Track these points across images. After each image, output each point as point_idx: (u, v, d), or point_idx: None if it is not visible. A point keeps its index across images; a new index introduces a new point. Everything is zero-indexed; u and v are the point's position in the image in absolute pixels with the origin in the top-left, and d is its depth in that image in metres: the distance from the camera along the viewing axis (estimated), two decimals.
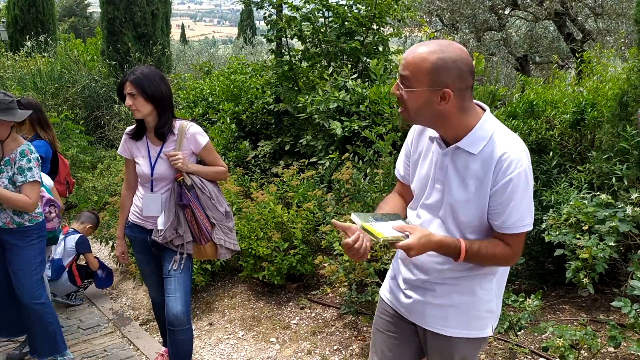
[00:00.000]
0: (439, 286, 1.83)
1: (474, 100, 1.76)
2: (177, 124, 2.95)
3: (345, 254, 1.78)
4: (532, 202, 1.73)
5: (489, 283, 1.82)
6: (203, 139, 2.96)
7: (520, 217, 1.69)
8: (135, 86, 2.80)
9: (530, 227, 1.73)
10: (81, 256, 4.54)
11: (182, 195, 2.89)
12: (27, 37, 11.68)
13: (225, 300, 4.36)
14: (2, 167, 3.18)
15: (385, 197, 2.09)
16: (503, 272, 1.86)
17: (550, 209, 3.44)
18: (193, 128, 2.95)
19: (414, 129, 1.95)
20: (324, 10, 6.02)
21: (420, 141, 1.90)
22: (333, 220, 1.80)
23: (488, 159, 1.68)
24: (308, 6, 6.00)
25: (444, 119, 1.70)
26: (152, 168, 2.93)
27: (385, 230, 1.68)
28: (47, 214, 3.58)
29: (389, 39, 6.41)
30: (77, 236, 4.52)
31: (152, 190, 2.97)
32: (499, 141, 1.69)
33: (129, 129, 3.04)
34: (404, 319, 1.95)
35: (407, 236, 1.67)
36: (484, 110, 1.75)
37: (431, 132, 1.83)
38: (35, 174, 3.19)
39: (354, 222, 1.73)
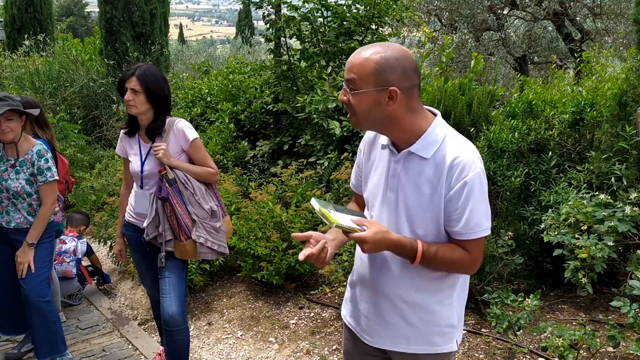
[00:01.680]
0: (398, 307, 1.79)
1: (425, 107, 1.74)
2: (167, 120, 2.94)
3: (310, 261, 1.74)
4: (488, 206, 1.69)
5: (448, 298, 1.78)
6: (191, 133, 2.92)
7: (478, 221, 1.65)
8: (142, 83, 2.79)
9: (488, 232, 1.69)
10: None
11: (162, 188, 2.86)
12: (26, 36, 11.65)
13: (224, 300, 4.36)
14: (18, 168, 3.21)
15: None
16: (463, 286, 1.83)
17: (549, 209, 3.44)
18: (181, 123, 2.92)
19: (365, 139, 1.91)
20: (322, 10, 6.02)
21: (372, 150, 1.86)
22: (293, 234, 1.78)
23: (440, 163, 1.65)
24: (307, 6, 5.99)
25: (393, 121, 1.67)
26: (142, 165, 2.93)
27: (342, 219, 1.65)
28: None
29: (388, 39, 6.41)
30: (84, 240, 4.76)
31: (142, 187, 2.96)
32: (450, 145, 1.67)
33: (124, 123, 3.05)
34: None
35: (364, 230, 1.63)
36: (435, 115, 1.73)
37: (383, 140, 1.80)
38: (54, 173, 3.28)
39: (312, 207, 1.70)
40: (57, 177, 3.29)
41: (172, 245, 2.92)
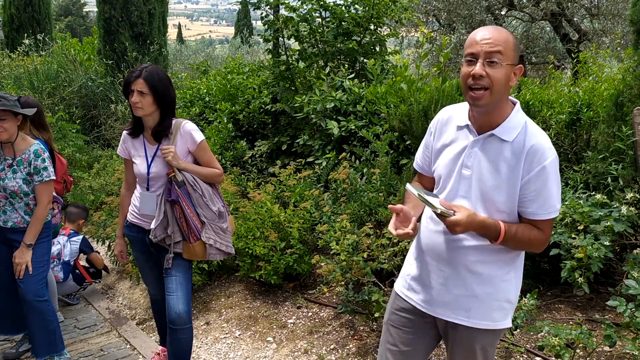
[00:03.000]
0: (462, 279, 1.87)
1: None
2: (173, 122, 2.95)
3: (400, 236, 1.85)
4: (560, 189, 1.80)
5: (508, 274, 1.88)
6: (198, 135, 2.94)
7: (553, 202, 1.76)
8: (150, 86, 2.78)
9: (558, 213, 1.81)
10: (81, 255, 4.64)
11: (171, 191, 2.87)
12: (24, 35, 11.65)
13: (222, 300, 4.37)
14: (15, 167, 3.22)
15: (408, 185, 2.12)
16: (519, 264, 1.93)
17: None
18: (188, 125, 2.94)
19: (437, 120, 1.99)
20: (321, 10, 6.02)
21: (445, 132, 1.95)
22: (390, 206, 1.87)
23: (520, 147, 1.75)
24: (305, 7, 6.00)
25: (499, 102, 1.77)
26: (149, 167, 2.93)
27: (436, 203, 1.73)
28: (51, 210, 3.63)
29: (386, 39, 6.42)
30: (79, 237, 4.60)
31: (148, 189, 2.97)
32: (530, 131, 1.77)
33: (127, 125, 3.04)
34: (422, 313, 1.98)
35: (454, 213, 1.71)
36: (514, 103, 1.84)
37: (459, 121, 1.89)
38: (51, 173, 3.26)
39: (409, 191, 1.80)
40: (53, 177, 3.29)
41: (180, 246, 2.94)
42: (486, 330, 1.89)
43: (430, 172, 2.03)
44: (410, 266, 2.07)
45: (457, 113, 1.92)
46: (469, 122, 1.85)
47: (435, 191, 1.96)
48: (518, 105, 1.82)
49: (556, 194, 1.77)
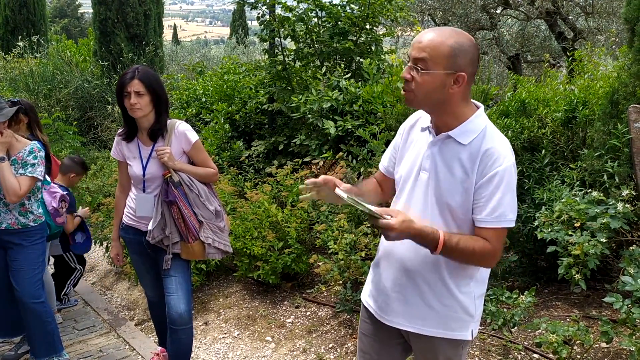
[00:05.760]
0: (419, 288, 1.83)
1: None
2: (167, 122, 2.96)
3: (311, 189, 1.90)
4: (515, 200, 1.73)
5: (466, 287, 1.82)
6: (193, 136, 2.95)
7: (503, 211, 1.69)
8: (146, 85, 2.80)
9: (512, 224, 1.72)
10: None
11: (168, 192, 2.88)
12: (19, 37, 11.63)
13: (221, 300, 4.37)
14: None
15: (365, 180, 2.13)
16: (480, 277, 1.86)
17: (543, 207, 3.47)
18: (182, 126, 2.95)
19: (407, 123, 1.98)
20: (317, 10, 6.03)
21: (411, 134, 1.93)
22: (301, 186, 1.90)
23: (475, 151, 1.71)
24: (301, 6, 6.00)
25: (446, 105, 1.72)
26: (144, 169, 2.93)
27: (369, 206, 1.69)
28: (60, 209, 3.67)
29: (382, 38, 6.43)
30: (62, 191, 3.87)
31: (144, 190, 2.97)
32: (488, 136, 1.73)
33: (120, 130, 3.04)
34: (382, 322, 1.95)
35: (389, 218, 1.66)
36: (478, 107, 1.79)
37: (423, 123, 1.87)
38: (36, 172, 3.18)
39: (340, 197, 1.78)
40: (38, 177, 3.19)
41: (179, 247, 2.94)
42: (444, 339, 1.85)
43: (393, 174, 2.00)
44: (371, 275, 2.05)
45: (424, 116, 1.89)
46: (430, 124, 1.82)
47: (397, 194, 1.94)
48: (481, 109, 1.77)
49: (508, 203, 1.69)
